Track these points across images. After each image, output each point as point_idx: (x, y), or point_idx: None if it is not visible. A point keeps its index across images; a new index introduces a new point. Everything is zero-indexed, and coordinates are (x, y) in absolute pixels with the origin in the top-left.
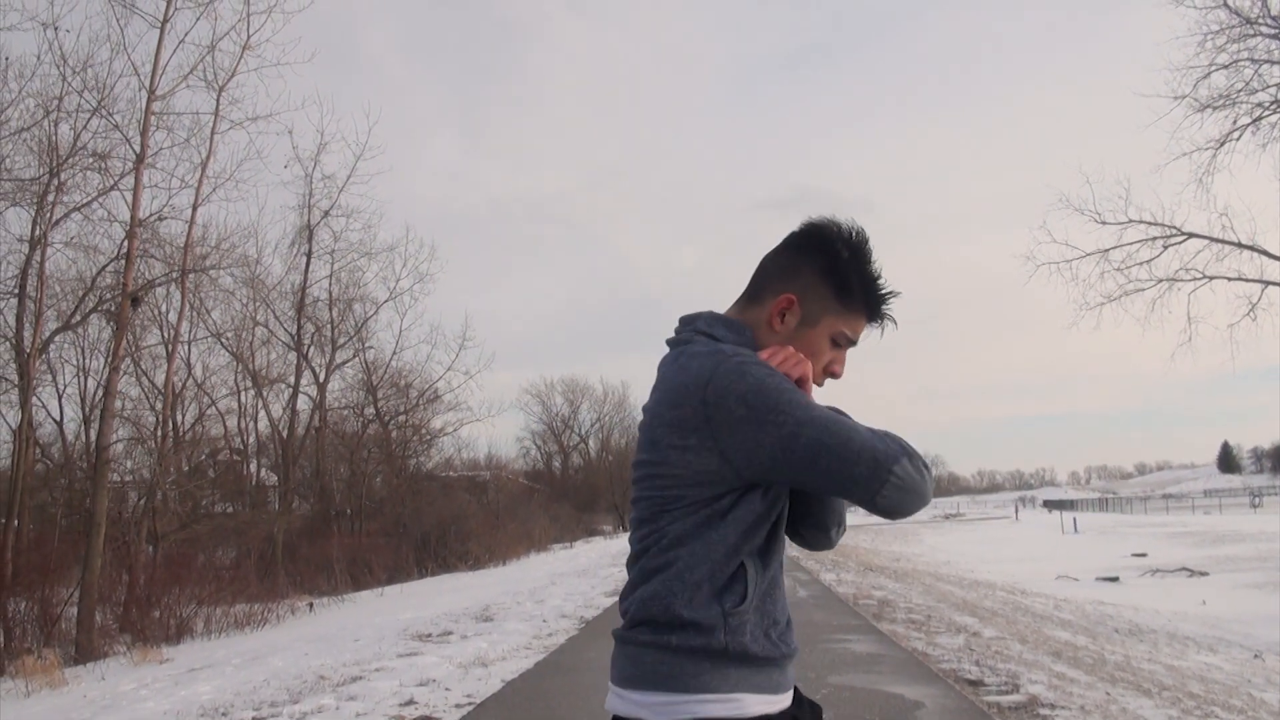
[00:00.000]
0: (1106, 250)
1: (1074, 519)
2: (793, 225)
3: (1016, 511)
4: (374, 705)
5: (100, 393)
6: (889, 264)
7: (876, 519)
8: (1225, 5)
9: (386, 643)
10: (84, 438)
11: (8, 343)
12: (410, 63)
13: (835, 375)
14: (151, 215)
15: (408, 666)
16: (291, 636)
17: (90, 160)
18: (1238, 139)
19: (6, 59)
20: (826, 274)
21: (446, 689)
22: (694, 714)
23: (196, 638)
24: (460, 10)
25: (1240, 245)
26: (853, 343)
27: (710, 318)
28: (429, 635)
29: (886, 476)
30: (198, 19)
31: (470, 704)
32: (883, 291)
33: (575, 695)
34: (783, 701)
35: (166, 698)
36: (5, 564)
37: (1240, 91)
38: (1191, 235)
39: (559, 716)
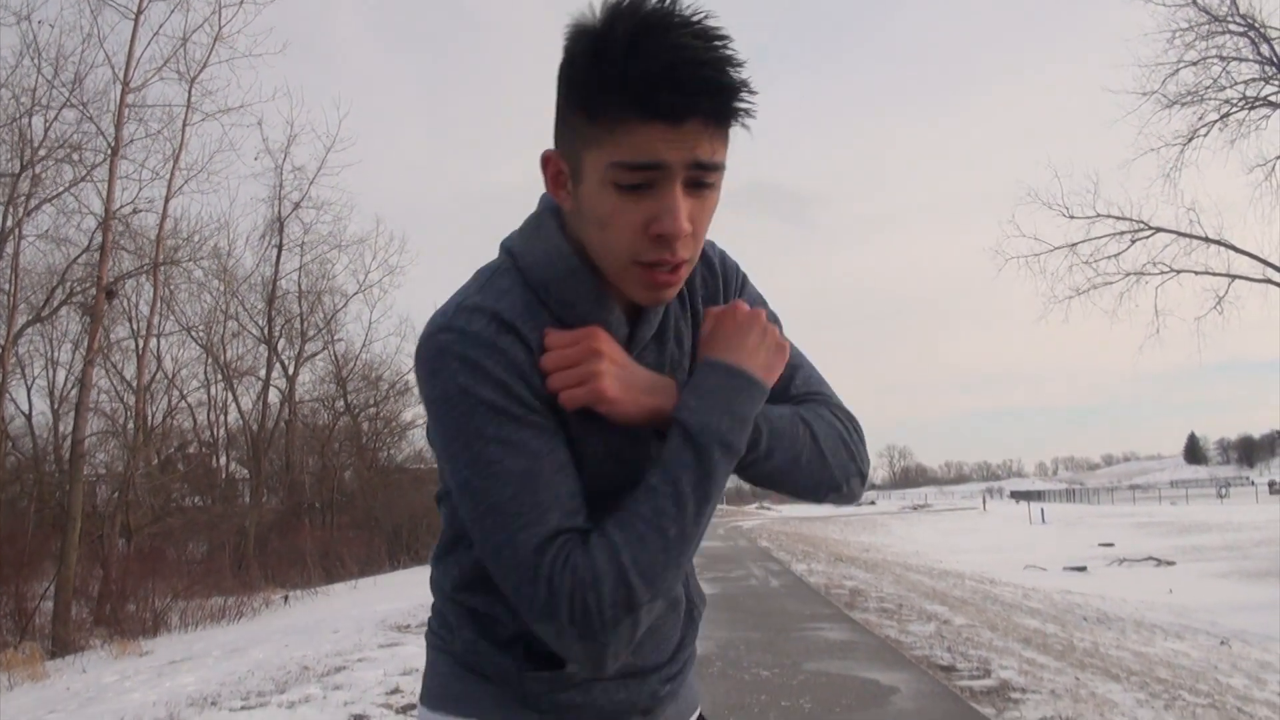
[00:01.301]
0: (1075, 244)
1: (1041, 510)
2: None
3: (984, 502)
4: (360, 694)
5: (69, 385)
6: (856, 257)
7: (846, 510)
8: (1194, 3)
9: (366, 634)
10: (53, 430)
11: None
12: (381, 54)
13: (666, 237)
14: (124, 206)
15: (389, 656)
16: (269, 629)
17: (63, 152)
18: (1205, 135)
19: (28, 84)
20: (566, 92)
21: None
22: None
23: (173, 631)
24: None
25: (1207, 240)
26: (658, 170)
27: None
28: (407, 626)
29: (545, 620)
30: (171, 11)
31: None
32: (638, 62)
33: None
34: None
35: (151, 689)
36: None
37: (1208, 89)
38: (1159, 230)
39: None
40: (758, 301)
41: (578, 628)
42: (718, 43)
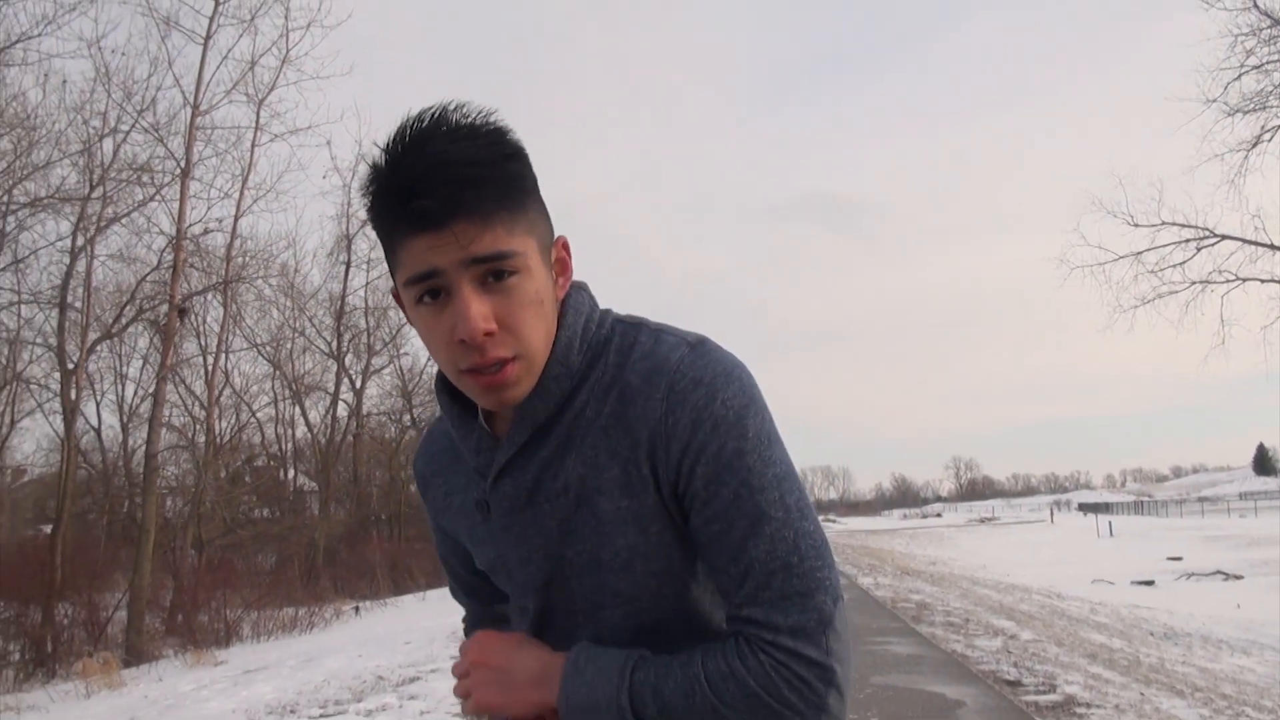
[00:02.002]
0: (1140, 252)
1: (1109, 523)
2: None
3: (1051, 515)
4: (435, 704)
5: (137, 400)
6: (920, 268)
7: (911, 522)
8: (1255, 6)
9: (437, 645)
10: (122, 444)
11: (50, 352)
12: (434, 67)
13: (468, 342)
14: (194, 224)
15: None
16: (341, 639)
17: (133, 174)
18: (1269, 140)
19: (65, 82)
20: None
21: None
22: None
23: (245, 641)
24: (486, 16)
25: (1273, 247)
26: (435, 278)
27: None
28: None
29: None
30: (240, 35)
31: None
32: (393, 182)
33: None
34: None
35: (229, 697)
36: (55, 570)
37: (1270, 95)
38: (1224, 237)
39: None
40: (730, 462)
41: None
42: (476, 139)
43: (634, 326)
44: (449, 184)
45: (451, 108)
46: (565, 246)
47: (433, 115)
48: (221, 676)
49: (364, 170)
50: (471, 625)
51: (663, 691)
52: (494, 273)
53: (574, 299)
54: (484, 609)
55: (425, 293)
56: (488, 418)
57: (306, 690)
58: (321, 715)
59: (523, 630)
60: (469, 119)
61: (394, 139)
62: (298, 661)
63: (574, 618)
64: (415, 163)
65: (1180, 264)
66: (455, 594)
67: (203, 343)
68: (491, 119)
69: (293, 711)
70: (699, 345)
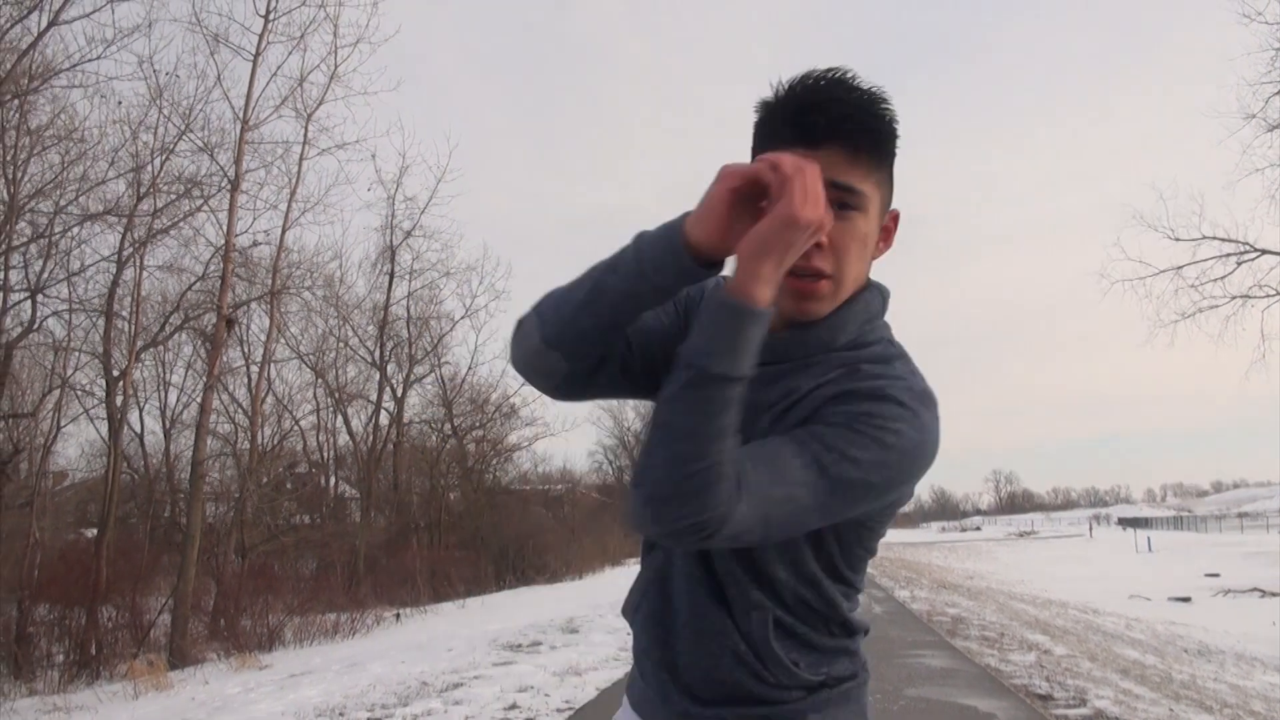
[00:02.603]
0: (1180, 267)
1: (1148, 538)
2: None
3: (1091, 529)
4: (480, 709)
5: (180, 406)
6: (956, 280)
7: (950, 536)
8: None
9: (479, 652)
10: (165, 450)
11: (97, 359)
12: (475, 81)
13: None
14: (241, 234)
15: (504, 674)
16: (384, 645)
17: (183, 187)
18: None
19: (120, 102)
20: (754, 139)
21: (546, 695)
22: None
23: (287, 646)
24: (528, 31)
25: None
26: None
27: None
28: (519, 646)
29: None
30: (289, 52)
31: (570, 709)
32: (783, 93)
33: None
34: None
35: (276, 701)
36: (100, 573)
37: None
38: (1265, 251)
39: None
40: (874, 395)
41: None
42: (863, 93)
43: (896, 350)
44: (830, 115)
45: (850, 74)
46: (895, 219)
47: (838, 71)
48: (267, 680)
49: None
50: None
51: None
52: (840, 202)
53: (870, 294)
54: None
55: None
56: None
57: (353, 694)
58: (369, 718)
59: None
60: (866, 85)
61: (802, 76)
62: (342, 666)
63: None
64: (812, 93)
65: (1221, 278)
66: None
67: (246, 351)
68: (883, 92)
69: (341, 714)
70: (923, 396)
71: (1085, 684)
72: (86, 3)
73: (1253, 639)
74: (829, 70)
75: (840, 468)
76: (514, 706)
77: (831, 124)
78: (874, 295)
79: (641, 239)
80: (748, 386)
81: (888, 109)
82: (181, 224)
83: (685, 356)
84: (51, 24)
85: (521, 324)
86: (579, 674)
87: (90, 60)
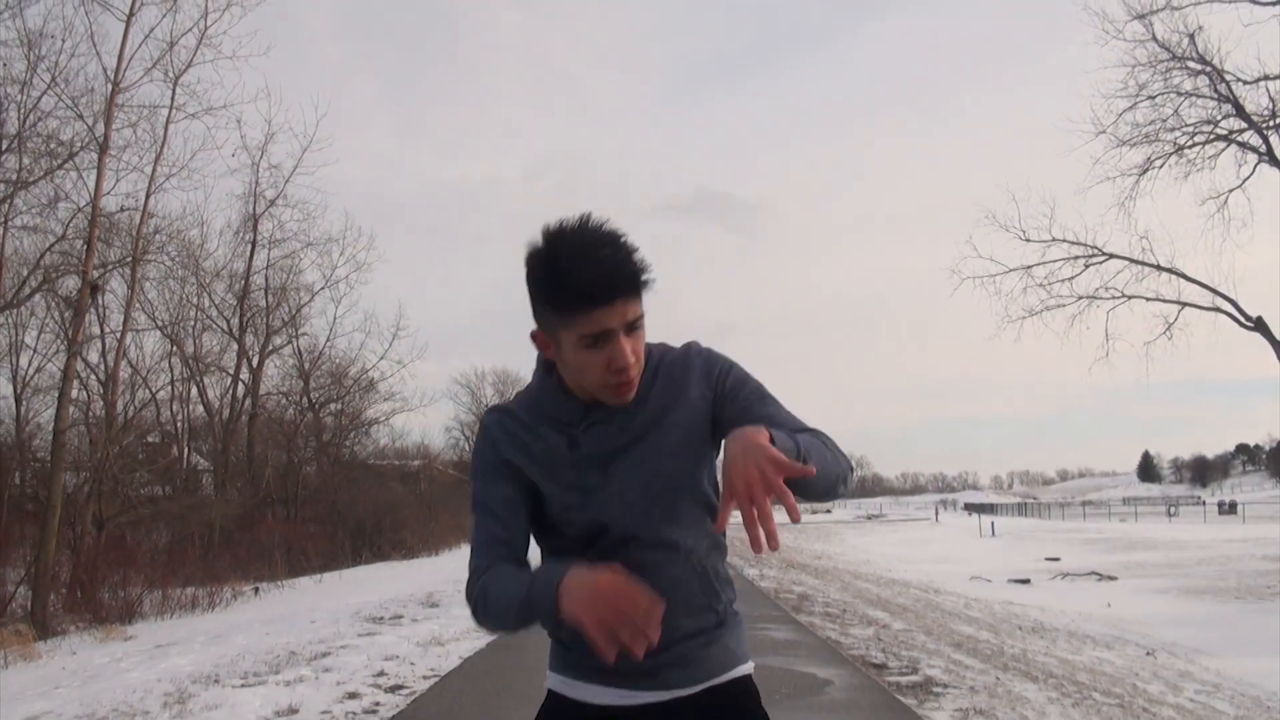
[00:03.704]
0: (1030, 266)
1: (992, 523)
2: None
3: (937, 514)
4: (350, 675)
5: (32, 371)
6: (802, 266)
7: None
8: (1154, 39)
9: (343, 624)
10: (14, 416)
11: None
12: (344, 46)
13: (621, 369)
14: (108, 194)
15: (370, 644)
16: (245, 618)
17: (48, 145)
18: (1160, 167)
19: (14, 72)
20: (536, 295)
21: (411, 663)
22: None
23: (147, 619)
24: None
25: (1159, 268)
26: (606, 333)
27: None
28: (381, 618)
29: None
30: (163, 16)
31: (435, 676)
32: (570, 265)
33: (524, 670)
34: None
35: (148, 670)
36: None
37: (1161, 126)
38: (1112, 256)
39: (513, 687)
40: (742, 378)
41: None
42: (624, 246)
43: (656, 347)
44: (618, 281)
45: (611, 229)
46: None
47: (602, 229)
48: (134, 650)
49: (529, 251)
50: (484, 572)
51: (795, 437)
52: (634, 327)
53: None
54: (503, 556)
55: (593, 343)
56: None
57: (223, 663)
58: (243, 685)
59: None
60: (610, 228)
61: (559, 237)
62: (207, 638)
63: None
64: (593, 265)
65: (1069, 279)
66: (483, 547)
67: (101, 315)
68: (633, 240)
69: (216, 681)
70: (688, 344)
71: (919, 655)
72: None
73: (1087, 618)
74: (595, 231)
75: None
76: (382, 674)
77: (620, 290)
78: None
79: (538, 606)
80: (645, 403)
81: (641, 255)
82: (45, 182)
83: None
84: None
85: (474, 611)
86: (442, 644)
87: None
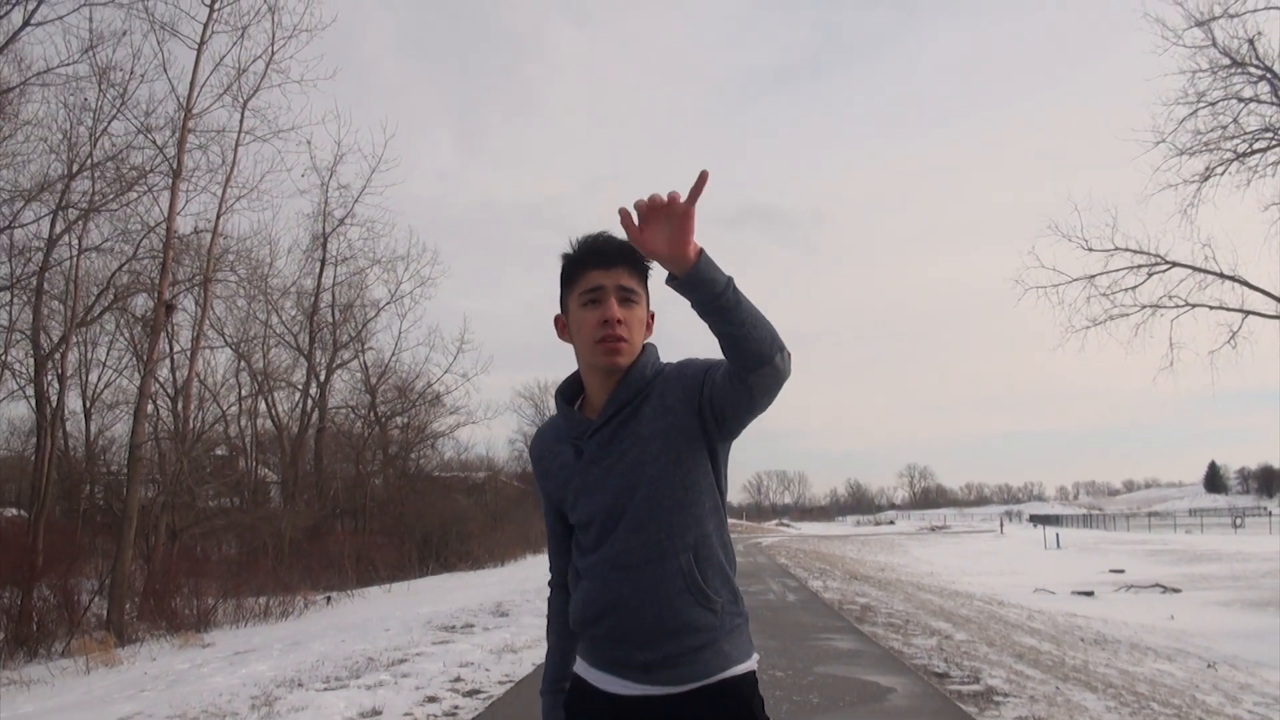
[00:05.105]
0: (1093, 276)
1: (1056, 534)
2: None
3: (1002, 525)
4: (427, 681)
5: (102, 387)
6: (863, 278)
7: (864, 529)
8: (1214, 44)
9: (416, 633)
10: (85, 430)
11: (26, 339)
12: (408, 65)
13: (608, 322)
14: (180, 215)
15: (444, 651)
16: (320, 626)
17: (124, 170)
18: (1222, 174)
19: (86, 99)
20: (560, 281)
21: (486, 669)
22: None
23: (221, 627)
24: (459, 18)
25: (1222, 275)
26: (599, 290)
27: None
28: (453, 627)
29: None
30: (233, 44)
31: (510, 681)
32: (580, 242)
33: None
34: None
35: (229, 675)
36: (36, 553)
37: (1219, 137)
38: (1175, 264)
39: None
40: (691, 363)
41: None
42: (624, 241)
43: (669, 363)
44: (612, 251)
45: (606, 234)
46: (653, 318)
47: (605, 234)
48: (213, 657)
49: (564, 256)
50: (557, 579)
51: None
52: (627, 297)
53: (650, 351)
54: (567, 564)
55: (590, 300)
56: (583, 408)
57: (304, 668)
58: (326, 689)
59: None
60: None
61: (592, 236)
62: (284, 645)
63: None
64: (605, 242)
65: (1132, 288)
66: (551, 556)
67: (171, 333)
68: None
69: (299, 685)
70: (684, 360)
71: (981, 665)
72: None
73: (1149, 631)
74: (606, 234)
75: None
76: (458, 679)
77: (618, 253)
78: (652, 350)
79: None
80: (636, 415)
81: (641, 254)
82: (117, 204)
83: (722, 288)
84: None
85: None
86: (515, 651)
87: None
